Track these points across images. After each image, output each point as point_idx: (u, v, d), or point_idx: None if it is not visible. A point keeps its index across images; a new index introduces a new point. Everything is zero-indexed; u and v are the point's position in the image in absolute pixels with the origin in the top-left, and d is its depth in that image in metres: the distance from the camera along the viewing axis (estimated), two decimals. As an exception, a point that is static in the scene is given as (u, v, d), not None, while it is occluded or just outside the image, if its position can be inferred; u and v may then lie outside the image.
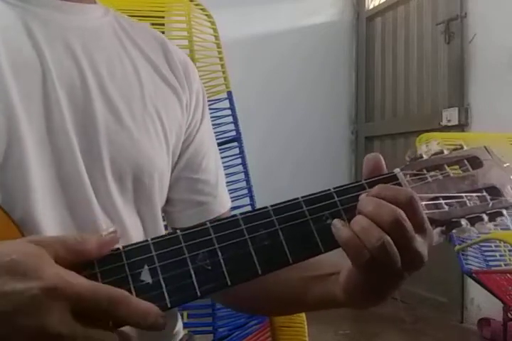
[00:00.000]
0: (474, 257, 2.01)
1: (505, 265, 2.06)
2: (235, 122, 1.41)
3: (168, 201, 0.72)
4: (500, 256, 2.08)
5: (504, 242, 2.01)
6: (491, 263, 2.05)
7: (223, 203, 0.76)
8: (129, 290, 0.43)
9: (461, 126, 2.80)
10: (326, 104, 3.61)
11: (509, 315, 1.95)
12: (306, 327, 1.16)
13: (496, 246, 2.07)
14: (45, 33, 0.61)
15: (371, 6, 3.69)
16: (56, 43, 0.61)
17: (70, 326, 0.39)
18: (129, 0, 1.35)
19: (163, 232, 0.70)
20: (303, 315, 1.16)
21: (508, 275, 1.95)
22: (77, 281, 0.40)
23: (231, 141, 1.40)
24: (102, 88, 0.62)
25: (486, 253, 2.06)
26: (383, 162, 0.53)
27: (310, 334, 1.16)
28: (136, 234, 0.64)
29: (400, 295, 2.88)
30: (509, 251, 2.07)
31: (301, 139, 3.49)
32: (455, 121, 2.81)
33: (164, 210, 0.73)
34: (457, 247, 1.93)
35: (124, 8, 1.21)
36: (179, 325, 0.73)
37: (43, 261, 0.40)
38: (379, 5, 3.61)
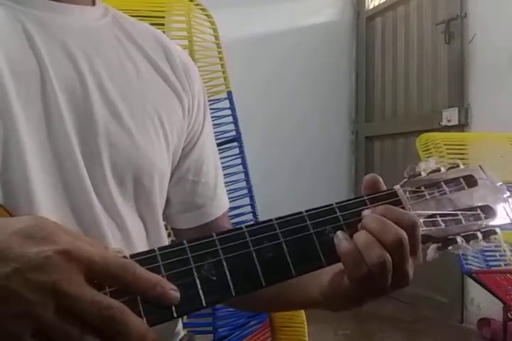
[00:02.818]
0: (474, 257, 2.01)
1: (505, 265, 2.06)
2: (235, 122, 1.42)
3: (167, 203, 0.72)
4: (500, 256, 2.07)
5: (504, 242, 2.01)
6: (491, 263, 2.04)
7: (221, 205, 0.77)
8: (135, 300, 0.43)
9: (461, 126, 2.80)
10: (326, 103, 3.61)
11: (509, 315, 1.94)
12: (305, 327, 1.16)
13: (496, 246, 2.06)
14: (43, 35, 0.60)
15: (371, 6, 3.69)
16: (54, 45, 0.60)
17: (80, 287, 0.40)
18: (129, 0, 1.35)
19: (164, 233, 0.70)
20: (303, 314, 1.16)
21: (508, 275, 1.95)
22: (89, 248, 0.42)
23: (231, 141, 1.40)
24: (101, 89, 0.62)
25: (486, 253, 2.06)
26: (381, 181, 0.55)
27: (310, 334, 1.16)
28: (137, 235, 0.64)
29: (399, 295, 2.89)
30: (509, 251, 2.07)
31: (301, 139, 3.49)
32: (455, 121, 2.81)
33: (163, 212, 0.72)
34: (457, 247, 1.92)
35: (124, 8, 1.21)
36: (179, 325, 0.72)
37: (58, 229, 0.42)
38: (379, 5, 3.61)
